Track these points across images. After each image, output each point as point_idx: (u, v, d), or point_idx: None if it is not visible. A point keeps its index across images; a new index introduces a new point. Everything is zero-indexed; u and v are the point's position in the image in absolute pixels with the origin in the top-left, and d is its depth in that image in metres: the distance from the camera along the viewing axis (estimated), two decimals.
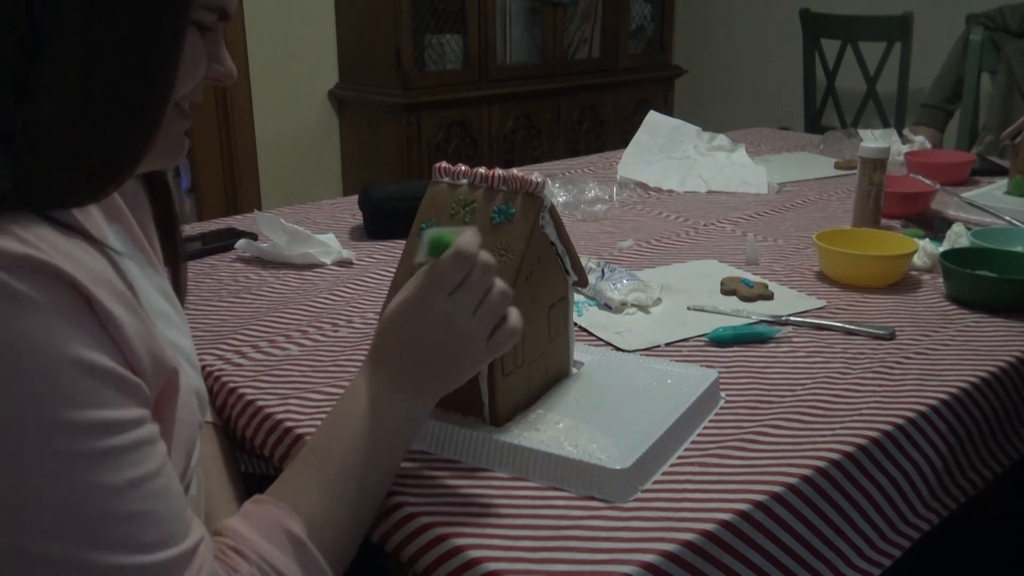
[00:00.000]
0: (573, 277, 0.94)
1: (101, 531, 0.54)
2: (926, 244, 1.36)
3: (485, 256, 0.74)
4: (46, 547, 0.52)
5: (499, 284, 0.75)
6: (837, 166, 2.09)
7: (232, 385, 0.99)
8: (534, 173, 0.85)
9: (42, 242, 0.52)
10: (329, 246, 1.42)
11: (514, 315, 0.77)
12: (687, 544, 0.72)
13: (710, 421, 0.91)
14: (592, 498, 0.78)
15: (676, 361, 1.02)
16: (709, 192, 1.89)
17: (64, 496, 0.52)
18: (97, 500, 0.53)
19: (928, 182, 1.72)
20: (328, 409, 0.93)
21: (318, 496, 0.70)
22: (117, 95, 0.56)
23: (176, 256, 0.82)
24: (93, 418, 0.53)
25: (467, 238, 0.73)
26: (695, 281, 1.31)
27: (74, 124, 0.55)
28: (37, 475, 0.52)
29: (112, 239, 0.73)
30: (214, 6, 0.64)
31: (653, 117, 2.16)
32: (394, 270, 0.87)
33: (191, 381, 0.73)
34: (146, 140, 0.59)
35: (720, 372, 0.98)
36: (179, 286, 0.82)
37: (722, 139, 2.14)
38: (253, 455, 0.98)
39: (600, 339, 1.12)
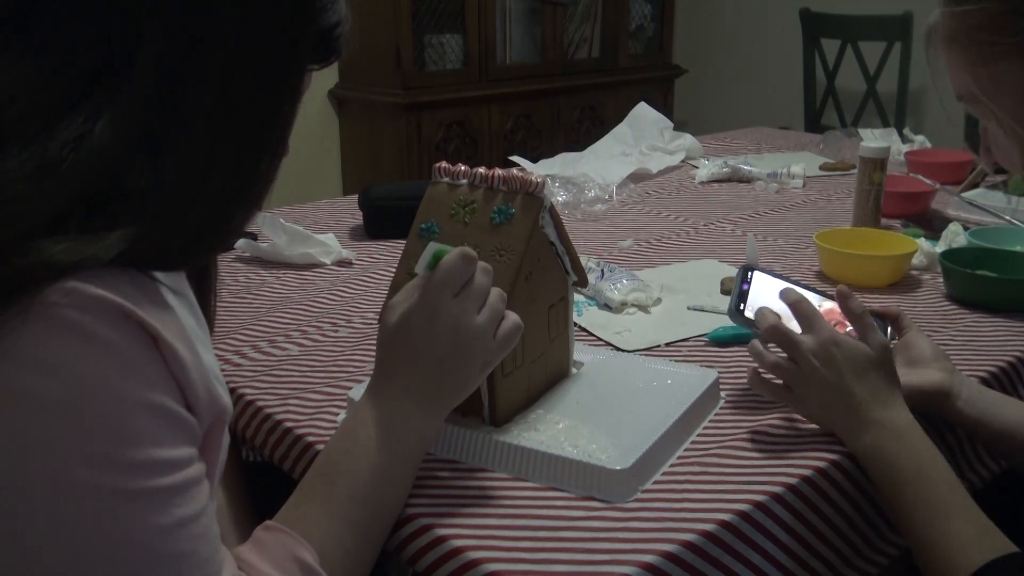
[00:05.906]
0: (573, 277, 0.94)
1: (145, 571, 0.54)
2: (926, 243, 1.36)
3: (483, 262, 0.77)
4: None
5: (496, 287, 0.78)
6: (822, 167, 2.06)
7: (232, 385, 0.99)
8: (534, 173, 0.85)
9: (112, 283, 0.53)
10: (329, 246, 1.42)
11: (512, 313, 0.79)
12: (687, 544, 0.72)
13: (710, 421, 0.91)
14: (592, 498, 0.78)
15: (676, 361, 1.02)
16: (702, 183, 1.92)
17: (114, 534, 0.53)
18: (145, 539, 0.54)
19: (928, 182, 1.72)
20: (329, 409, 0.93)
21: (329, 522, 0.70)
22: (237, 171, 0.60)
23: (207, 272, 0.76)
24: (151, 457, 0.54)
25: (466, 247, 0.76)
26: (695, 281, 1.31)
27: (194, 193, 0.57)
28: (92, 510, 0.52)
29: None
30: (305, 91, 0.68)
31: (640, 109, 2.19)
32: (394, 270, 0.87)
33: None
34: (250, 213, 0.62)
35: (720, 372, 0.98)
36: (207, 304, 0.76)
37: (686, 139, 2.14)
38: (253, 449, 0.98)
39: (600, 339, 1.12)
